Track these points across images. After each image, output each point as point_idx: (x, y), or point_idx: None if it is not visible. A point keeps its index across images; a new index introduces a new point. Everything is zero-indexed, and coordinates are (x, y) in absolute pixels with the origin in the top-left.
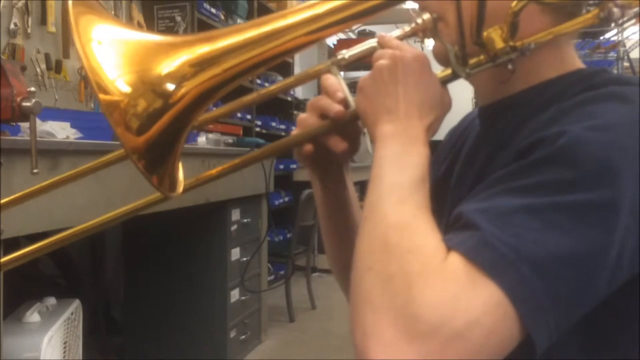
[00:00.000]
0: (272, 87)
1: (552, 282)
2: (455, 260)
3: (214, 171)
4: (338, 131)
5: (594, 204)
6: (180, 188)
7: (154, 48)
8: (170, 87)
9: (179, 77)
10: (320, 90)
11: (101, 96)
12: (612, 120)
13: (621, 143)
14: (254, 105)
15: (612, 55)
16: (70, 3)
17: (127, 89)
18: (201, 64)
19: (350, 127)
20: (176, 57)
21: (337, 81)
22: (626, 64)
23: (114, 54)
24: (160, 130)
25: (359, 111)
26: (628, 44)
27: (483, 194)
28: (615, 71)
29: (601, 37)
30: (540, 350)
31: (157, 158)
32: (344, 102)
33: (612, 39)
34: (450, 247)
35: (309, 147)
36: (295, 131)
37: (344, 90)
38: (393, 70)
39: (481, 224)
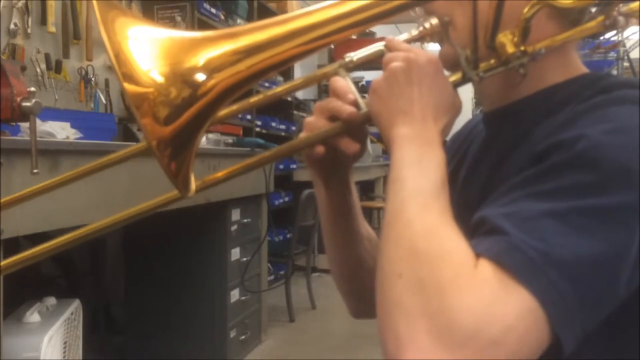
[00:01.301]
0: (279, 89)
1: (579, 284)
2: (486, 266)
3: (220, 174)
4: (348, 133)
5: (615, 206)
6: (193, 187)
7: (183, 42)
8: (201, 77)
9: (210, 69)
10: (319, 91)
11: (127, 86)
12: (627, 123)
13: (637, 145)
14: (260, 106)
15: (612, 55)
16: (96, 5)
17: (159, 79)
18: (236, 55)
19: (359, 130)
20: (207, 51)
21: (346, 83)
22: (626, 64)
23: (146, 49)
24: (186, 120)
25: (372, 113)
26: (628, 44)
27: (505, 199)
28: (615, 71)
29: (601, 37)
30: (567, 351)
31: (178, 150)
32: (355, 104)
33: (612, 39)
34: (478, 253)
35: (320, 149)
36: (303, 134)
37: (354, 92)
38: (407, 72)
39: (508, 229)
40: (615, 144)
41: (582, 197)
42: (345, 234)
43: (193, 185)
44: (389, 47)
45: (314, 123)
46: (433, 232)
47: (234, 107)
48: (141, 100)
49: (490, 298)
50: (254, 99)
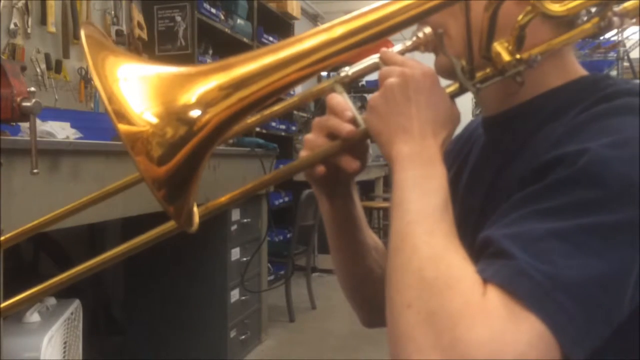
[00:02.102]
0: (276, 108)
1: (588, 305)
2: (494, 294)
3: (223, 199)
4: (348, 150)
5: (620, 223)
6: (197, 219)
7: (174, 79)
8: (195, 114)
9: (204, 104)
10: (314, 96)
11: (121, 127)
12: (630, 135)
13: None
14: (257, 127)
15: (612, 55)
16: (85, 44)
17: (153, 120)
18: (225, 90)
19: (359, 146)
20: (198, 86)
21: (343, 100)
22: (626, 64)
23: (138, 89)
24: (182, 159)
25: (371, 131)
26: (628, 44)
27: (509, 217)
28: (615, 71)
29: (601, 37)
30: None
31: (176, 188)
32: (353, 121)
33: (612, 39)
34: (486, 279)
35: (321, 169)
36: (303, 152)
37: (352, 109)
38: (404, 88)
39: (514, 252)
40: (618, 158)
41: (587, 214)
42: (352, 246)
43: (196, 217)
44: (384, 60)
45: (313, 141)
46: (440, 259)
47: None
48: (135, 140)
49: (501, 327)
50: (251, 120)
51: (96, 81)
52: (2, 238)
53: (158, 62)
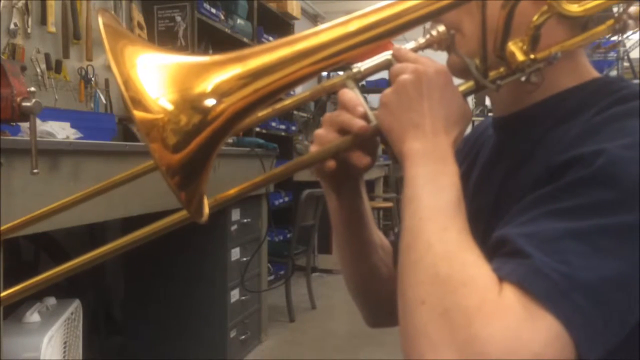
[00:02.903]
0: (287, 102)
1: (604, 306)
2: (510, 292)
3: (232, 191)
4: (359, 146)
5: (636, 224)
6: (207, 210)
7: (191, 68)
8: (210, 103)
9: (219, 94)
10: (324, 96)
11: (137, 113)
12: None
13: None
14: (268, 120)
15: (612, 55)
16: (103, 31)
17: (169, 107)
18: (243, 80)
19: (369, 142)
20: (214, 76)
21: (355, 96)
22: (626, 64)
23: (155, 76)
24: (196, 147)
25: (383, 127)
26: (628, 44)
27: (524, 216)
28: (615, 71)
29: (601, 37)
30: None
31: (189, 176)
32: (365, 117)
33: (612, 39)
34: (501, 277)
35: (331, 164)
36: (313, 147)
37: (364, 105)
38: (417, 85)
39: (530, 251)
40: (635, 160)
41: (603, 215)
42: (358, 243)
43: (206, 208)
44: (397, 57)
45: (324, 136)
46: (454, 255)
47: (243, 123)
48: (150, 127)
49: (517, 325)
50: (262, 114)
51: (113, 67)
52: (3, 228)
53: (174, 51)
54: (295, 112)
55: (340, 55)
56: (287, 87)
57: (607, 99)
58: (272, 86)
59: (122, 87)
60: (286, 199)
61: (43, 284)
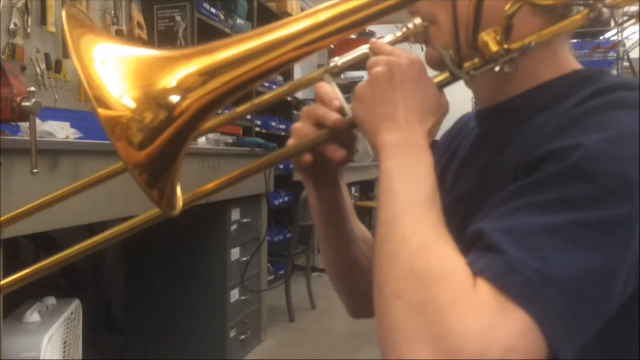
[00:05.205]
0: (266, 97)
1: (578, 302)
2: (485, 288)
3: (209, 186)
4: (335, 139)
5: (613, 219)
6: (180, 204)
7: (155, 62)
8: (175, 99)
9: (184, 90)
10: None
11: (101, 112)
12: (625, 131)
13: (636, 154)
14: (247, 115)
15: (612, 55)
16: (66, 24)
17: (132, 104)
18: (206, 75)
19: (346, 135)
20: (180, 70)
21: (332, 89)
22: (626, 64)
23: (117, 71)
24: (163, 143)
25: (357, 119)
26: (628, 44)
27: (500, 211)
28: (615, 71)
29: (601, 37)
30: None
31: (158, 173)
32: (341, 111)
33: (612, 39)
34: (476, 272)
35: (308, 157)
36: (291, 141)
37: (339, 98)
38: (390, 76)
39: (505, 247)
40: (613, 154)
41: (579, 210)
42: (339, 236)
43: (180, 202)
44: (373, 50)
45: (301, 130)
46: (429, 249)
47: (222, 117)
48: (114, 124)
49: (491, 321)
50: (240, 109)
51: (75, 62)
52: (2, 218)
53: (140, 44)
54: (295, 112)
55: (311, 46)
56: (256, 79)
57: (587, 90)
58: (240, 79)
59: (86, 85)
60: (286, 199)
61: (43, 272)
